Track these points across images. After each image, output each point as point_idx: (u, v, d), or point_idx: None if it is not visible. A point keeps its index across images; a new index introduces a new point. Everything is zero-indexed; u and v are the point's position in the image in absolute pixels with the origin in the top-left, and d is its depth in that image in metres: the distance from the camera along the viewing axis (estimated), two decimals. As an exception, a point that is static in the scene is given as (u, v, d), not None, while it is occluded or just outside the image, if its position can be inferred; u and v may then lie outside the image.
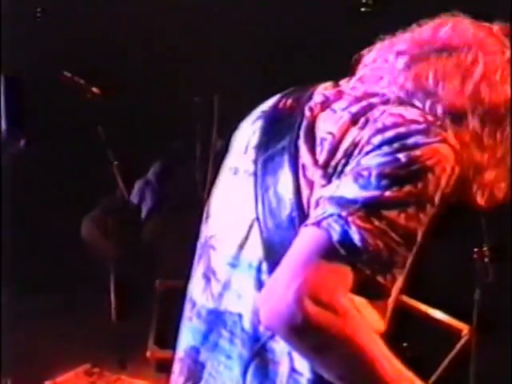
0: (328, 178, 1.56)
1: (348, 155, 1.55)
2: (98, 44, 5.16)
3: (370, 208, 1.45)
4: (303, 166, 1.60)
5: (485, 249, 3.78)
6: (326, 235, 1.45)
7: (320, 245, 1.45)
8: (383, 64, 1.70)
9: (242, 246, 1.67)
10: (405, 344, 3.56)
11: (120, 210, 5.08)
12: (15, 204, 4.86)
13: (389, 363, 1.47)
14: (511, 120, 1.65)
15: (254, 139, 1.73)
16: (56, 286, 5.15)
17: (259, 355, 1.61)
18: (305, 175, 1.59)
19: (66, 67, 4.65)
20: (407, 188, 1.47)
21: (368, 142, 1.53)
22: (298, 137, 1.64)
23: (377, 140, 1.52)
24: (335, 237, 1.44)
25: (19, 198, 4.96)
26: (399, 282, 1.60)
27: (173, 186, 5.37)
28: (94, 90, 4.63)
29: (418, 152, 1.49)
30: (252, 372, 1.62)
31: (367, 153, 1.52)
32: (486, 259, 3.79)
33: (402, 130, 1.52)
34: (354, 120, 1.59)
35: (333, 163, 1.57)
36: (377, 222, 1.44)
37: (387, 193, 1.46)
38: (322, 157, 1.58)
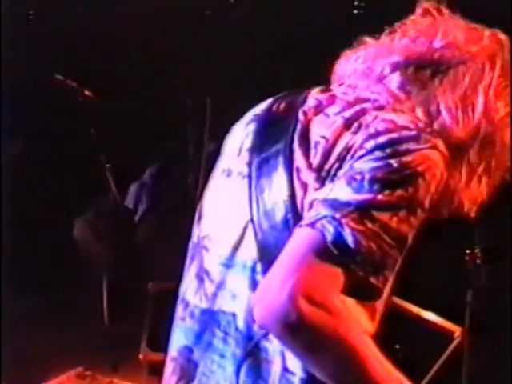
0: (321, 181, 1.59)
1: (341, 159, 1.59)
2: (90, 46, 5.16)
3: (363, 210, 1.48)
4: (297, 169, 1.63)
5: (477, 251, 3.79)
6: (320, 236, 1.47)
7: (314, 245, 1.47)
8: (374, 71, 1.73)
9: (236, 247, 1.69)
10: (397, 346, 3.57)
11: (112, 213, 5.08)
12: (9, 205, 4.87)
13: (379, 364, 1.49)
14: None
15: (248, 142, 1.76)
16: (48, 289, 5.14)
17: (252, 354, 1.63)
18: (299, 178, 1.62)
19: (58, 69, 4.65)
20: (399, 192, 1.50)
21: (361, 147, 1.57)
22: (292, 140, 1.66)
23: (369, 145, 1.56)
24: (329, 238, 1.46)
25: (15, 199, 4.97)
26: (389, 283, 1.62)
27: (167, 189, 5.37)
28: (87, 92, 4.63)
29: (409, 158, 1.53)
30: (245, 371, 1.64)
31: (360, 157, 1.56)
32: (478, 261, 3.80)
33: (393, 135, 1.56)
34: (347, 125, 1.62)
35: (326, 167, 1.60)
36: (370, 225, 1.47)
37: (379, 196, 1.49)
38: (315, 160, 1.62)
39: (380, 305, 1.68)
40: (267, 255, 1.59)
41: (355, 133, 1.60)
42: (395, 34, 1.77)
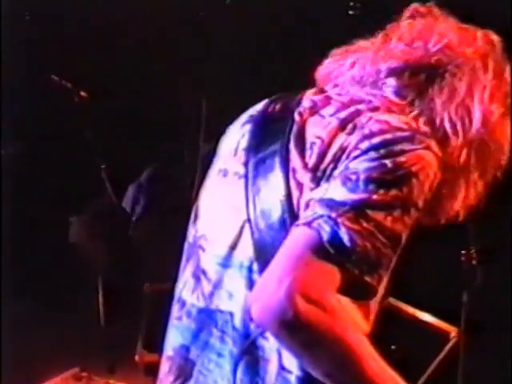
0: (317, 181, 1.61)
1: (336, 159, 1.60)
2: (85, 47, 5.15)
3: (358, 210, 1.50)
4: (293, 169, 1.64)
5: (472, 251, 3.80)
6: (316, 235, 1.49)
7: (311, 244, 1.48)
8: (370, 76, 1.75)
9: (233, 247, 1.71)
10: (393, 347, 3.57)
11: (108, 213, 5.07)
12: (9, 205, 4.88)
13: (375, 363, 1.50)
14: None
15: (244, 142, 1.77)
16: (43, 290, 5.14)
17: (249, 352, 1.64)
18: (295, 178, 1.64)
19: (55, 70, 4.65)
20: (393, 192, 1.52)
21: (355, 148, 1.59)
22: (288, 141, 1.68)
23: (364, 146, 1.58)
24: (325, 236, 1.48)
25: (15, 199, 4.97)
26: (383, 284, 1.64)
27: (164, 190, 5.36)
28: (82, 93, 4.62)
29: (403, 158, 1.55)
30: (242, 369, 1.65)
31: (355, 157, 1.57)
32: (474, 261, 3.80)
33: (388, 136, 1.58)
34: (342, 126, 1.65)
35: (322, 167, 1.62)
36: (365, 224, 1.49)
37: (374, 196, 1.51)
38: (311, 161, 1.64)
39: (374, 304, 1.69)
40: (264, 255, 1.60)
41: (350, 134, 1.62)
42: (389, 37, 1.79)
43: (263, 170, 1.68)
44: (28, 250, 5.11)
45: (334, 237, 1.48)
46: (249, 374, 1.65)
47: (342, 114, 1.67)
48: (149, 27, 5.08)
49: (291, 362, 1.61)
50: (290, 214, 1.61)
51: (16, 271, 4.82)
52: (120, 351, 4.46)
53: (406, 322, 3.87)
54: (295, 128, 1.70)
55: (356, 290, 1.54)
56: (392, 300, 3.79)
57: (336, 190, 1.53)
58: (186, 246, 1.87)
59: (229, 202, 1.74)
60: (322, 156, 1.63)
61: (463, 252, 3.81)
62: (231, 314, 1.69)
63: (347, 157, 1.59)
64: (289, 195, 1.63)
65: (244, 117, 1.85)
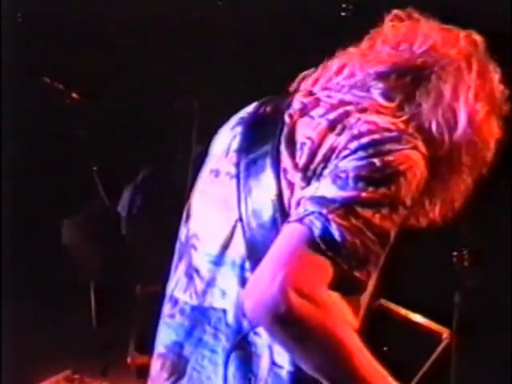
0: (307, 181, 1.64)
1: (326, 159, 1.64)
2: (78, 48, 5.15)
3: (347, 207, 1.53)
4: (284, 170, 1.67)
5: (464, 253, 3.81)
6: (308, 231, 1.52)
7: (303, 240, 1.51)
8: (357, 80, 1.80)
9: (225, 246, 1.73)
10: (385, 348, 3.57)
11: (100, 215, 5.07)
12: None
13: (365, 358, 1.52)
14: None
15: (235, 143, 1.81)
16: (37, 292, 5.13)
17: (241, 348, 1.67)
18: (286, 178, 1.67)
19: (48, 71, 4.65)
20: (382, 190, 1.56)
21: (345, 147, 1.62)
22: (279, 142, 1.71)
23: (353, 145, 1.61)
24: (316, 232, 1.51)
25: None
26: (372, 280, 1.68)
27: (160, 191, 5.36)
28: (74, 95, 4.62)
29: (391, 157, 1.58)
30: (235, 365, 1.67)
31: (344, 157, 1.61)
32: (466, 263, 3.81)
33: (376, 136, 1.62)
34: (331, 126, 1.68)
35: (312, 167, 1.65)
36: (354, 221, 1.53)
37: (363, 194, 1.55)
38: (301, 161, 1.67)
39: (364, 301, 1.72)
40: (255, 253, 1.63)
41: (339, 134, 1.66)
42: (375, 41, 1.84)
43: (255, 171, 1.71)
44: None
45: (325, 232, 1.51)
46: (242, 369, 1.67)
47: (332, 116, 1.71)
48: (142, 29, 5.07)
49: (282, 358, 1.64)
50: (281, 213, 1.64)
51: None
52: (112, 353, 4.46)
53: (398, 324, 3.88)
54: (285, 130, 1.73)
55: (346, 285, 1.57)
56: (384, 301, 3.80)
57: (326, 188, 1.57)
58: (177, 245, 1.90)
59: (221, 202, 1.77)
60: (312, 156, 1.66)
61: (455, 253, 3.82)
62: (224, 312, 1.71)
63: (337, 156, 1.62)
64: (280, 195, 1.66)
65: (235, 119, 1.88)
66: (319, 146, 1.66)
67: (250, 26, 5.00)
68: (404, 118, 1.71)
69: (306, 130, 1.70)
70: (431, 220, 1.84)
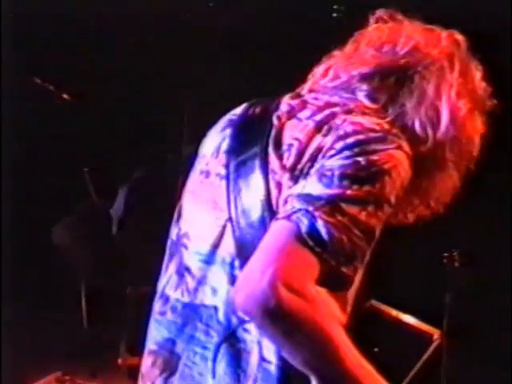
0: (295, 180, 1.68)
1: (313, 159, 1.68)
2: (73, 48, 5.14)
3: (333, 204, 1.57)
4: (272, 171, 1.71)
5: (455, 253, 3.81)
6: (295, 228, 1.55)
7: (291, 236, 1.55)
8: (342, 82, 1.84)
9: (216, 245, 1.77)
10: (376, 349, 3.58)
11: (92, 216, 5.06)
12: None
13: (351, 353, 1.55)
14: None
15: (225, 145, 1.84)
16: (26, 294, 5.12)
17: (230, 343, 1.71)
18: (274, 179, 1.71)
19: (41, 72, 4.64)
20: (366, 188, 1.60)
21: (331, 147, 1.66)
22: (267, 144, 1.75)
23: (339, 145, 1.65)
24: (304, 229, 1.55)
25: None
26: (359, 276, 1.72)
27: (154, 192, 5.35)
28: (65, 96, 4.61)
29: (376, 157, 1.63)
30: (225, 361, 1.71)
31: (330, 156, 1.65)
32: (457, 264, 3.82)
33: (361, 137, 1.66)
34: (318, 128, 1.72)
35: (299, 166, 1.69)
36: (340, 217, 1.56)
37: (348, 191, 1.59)
38: (289, 161, 1.71)
39: (351, 297, 1.76)
40: (245, 252, 1.67)
41: (326, 135, 1.69)
42: (359, 44, 1.88)
43: (244, 172, 1.75)
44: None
45: (312, 229, 1.55)
46: (231, 366, 1.71)
47: (318, 117, 1.75)
48: (135, 29, 5.06)
49: (271, 353, 1.67)
50: (270, 212, 1.68)
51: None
52: (103, 354, 4.45)
53: (389, 325, 3.89)
54: (274, 132, 1.77)
55: (333, 281, 1.61)
56: (375, 302, 3.80)
57: (313, 186, 1.61)
58: (168, 243, 1.93)
59: (211, 202, 1.81)
60: (299, 156, 1.70)
61: (446, 254, 3.83)
62: (215, 309, 1.75)
63: (323, 156, 1.66)
64: (268, 195, 1.70)
65: (224, 121, 1.91)
66: (306, 146, 1.70)
67: (240, 27, 5.00)
68: (389, 118, 1.75)
69: (294, 132, 1.74)
70: (419, 216, 1.88)
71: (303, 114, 1.77)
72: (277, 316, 1.50)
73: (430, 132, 1.77)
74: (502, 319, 4.27)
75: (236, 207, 1.73)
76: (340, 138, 1.66)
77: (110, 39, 5.14)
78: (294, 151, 1.71)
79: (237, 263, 1.71)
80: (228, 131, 1.86)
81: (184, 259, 1.85)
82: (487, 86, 1.86)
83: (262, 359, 1.69)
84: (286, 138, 1.74)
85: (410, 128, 1.76)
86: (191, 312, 1.79)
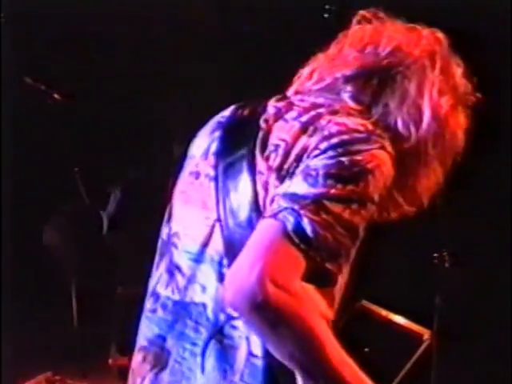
0: (281, 180, 1.73)
1: (298, 159, 1.73)
2: (64, 48, 5.13)
3: (318, 203, 1.62)
4: (259, 172, 1.76)
5: (445, 254, 3.82)
6: (282, 226, 1.61)
7: (277, 234, 1.60)
8: (327, 85, 1.89)
9: (205, 244, 1.82)
10: (366, 349, 3.59)
11: (82, 216, 5.06)
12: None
13: (335, 349, 1.60)
14: None
15: (214, 147, 1.89)
16: (16, 294, 5.10)
17: (218, 339, 1.76)
18: (261, 180, 1.76)
19: (32, 71, 4.63)
20: (350, 187, 1.65)
21: (316, 148, 1.71)
22: (254, 146, 1.80)
23: (323, 146, 1.70)
24: (289, 227, 1.60)
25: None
26: (345, 273, 1.79)
27: (146, 193, 5.34)
28: (56, 95, 4.61)
29: (359, 157, 1.68)
30: (214, 357, 1.76)
31: (315, 156, 1.70)
32: (447, 264, 3.83)
33: (345, 137, 1.71)
34: (303, 128, 1.77)
35: (285, 166, 1.74)
36: (324, 216, 1.61)
37: (332, 190, 1.63)
38: (276, 161, 1.76)
39: (338, 293, 1.81)
40: (233, 250, 1.71)
41: (311, 135, 1.74)
42: (342, 46, 1.93)
43: (232, 174, 1.80)
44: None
45: (298, 227, 1.60)
46: (219, 361, 1.75)
47: (304, 118, 1.79)
48: (129, 30, 5.06)
49: (259, 348, 1.72)
50: (257, 213, 1.73)
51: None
52: (93, 354, 4.45)
53: (379, 325, 3.89)
54: (261, 134, 1.81)
55: (319, 277, 1.67)
56: (365, 302, 3.81)
57: (298, 185, 1.66)
58: (159, 243, 1.98)
59: (200, 203, 1.86)
60: (285, 156, 1.74)
61: (436, 254, 3.84)
62: (204, 306, 1.80)
63: (308, 156, 1.71)
64: (255, 196, 1.75)
65: (213, 122, 1.95)
66: (292, 146, 1.75)
67: (232, 27, 5.00)
68: (373, 119, 1.79)
69: (281, 133, 1.79)
70: (404, 213, 1.93)
71: (289, 115, 1.82)
72: (263, 310, 1.55)
73: (412, 130, 1.81)
74: (492, 319, 4.28)
75: (224, 208, 1.78)
76: (325, 138, 1.71)
77: (99, 40, 5.13)
78: (280, 152, 1.75)
79: (225, 262, 1.76)
80: (217, 134, 1.91)
81: (174, 258, 1.89)
82: (469, 82, 1.91)
83: (251, 354, 1.73)
84: (273, 140, 1.79)
85: (392, 127, 1.81)
86: (181, 309, 1.84)
